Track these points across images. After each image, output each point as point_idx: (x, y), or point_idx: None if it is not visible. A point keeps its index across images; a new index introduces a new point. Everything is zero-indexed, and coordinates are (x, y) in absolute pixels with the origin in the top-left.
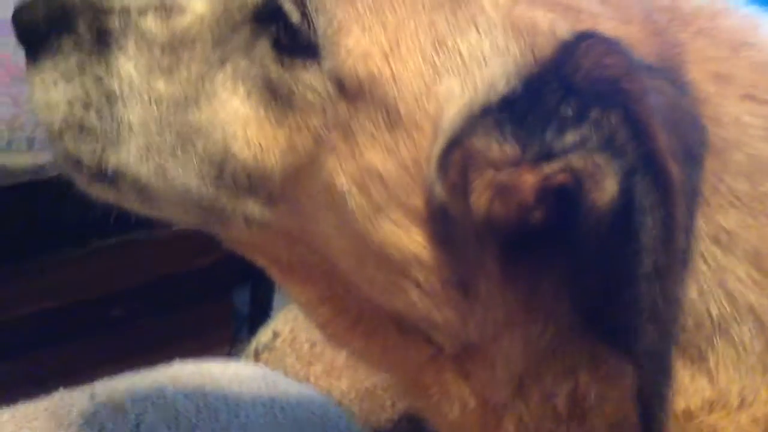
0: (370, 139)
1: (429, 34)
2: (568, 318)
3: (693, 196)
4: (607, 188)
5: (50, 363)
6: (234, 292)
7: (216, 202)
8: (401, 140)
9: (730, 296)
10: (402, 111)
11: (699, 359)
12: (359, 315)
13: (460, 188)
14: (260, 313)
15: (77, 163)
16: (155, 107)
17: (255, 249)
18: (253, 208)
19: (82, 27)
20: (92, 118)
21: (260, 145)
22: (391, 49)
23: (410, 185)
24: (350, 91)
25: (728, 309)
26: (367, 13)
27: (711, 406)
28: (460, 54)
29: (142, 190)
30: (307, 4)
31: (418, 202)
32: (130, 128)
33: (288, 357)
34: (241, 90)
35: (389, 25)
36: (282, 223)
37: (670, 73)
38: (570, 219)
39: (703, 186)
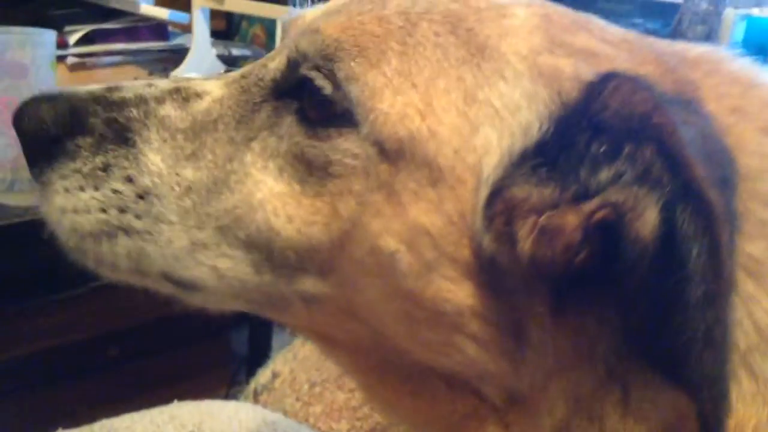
0: (414, 197)
1: (459, 89)
2: (606, 362)
3: (732, 221)
4: (648, 219)
5: (48, 403)
6: (232, 333)
7: (271, 287)
8: (445, 195)
9: (758, 327)
10: (443, 166)
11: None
12: (408, 377)
13: (506, 237)
14: (258, 354)
15: (114, 266)
16: (188, 198)
17: (311, 330)
18: (307, 285)
19: (97, 125)
20: (130, 220)
21: (301, 218)
22: (426, 108)
23: (458, 238)
24: (391, 153)
25: (755, 341)
26: (396, 76)
27: None
28: (492, 105)
29: (191, 287)
30: (338, 74)
31: (466, 253)
32: (170, 224)
33: (287, 398)
34: (272, 167)
35: (419, 86)
36: (336, 297)
37: (692, 105)
38: (614, 254)
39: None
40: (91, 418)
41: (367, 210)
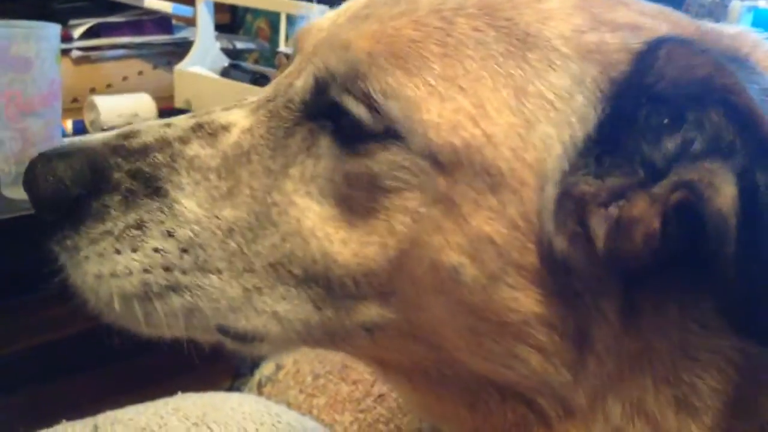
0: (475, 207)
1: (508, 86)
2: (665, 362)
3: None
4: (727, 192)
5: (52, 396)
6: None
7: (334, 322)
8: (507, 199)
9: None
10: (503, 169)
11: None
12: (465, 391)
13: (581, 236)
14: None
15: (167, 326)
16: (232, 241)
17: (371, 357)
18: (369, 313)
19: (123, 179)
20: (177, 277)
21: (356, 240)
22: (477, 111)
23: (523, 243)
24: (446, 164)
25: None
26: (441, 82)
27: None
28: (544, 97)
29: (251, 339)
30: (373, 94)
31: (532, 258)
32: (219, 273)
33: (291, 389)
34: (315, 192)
35: (467, 89)
36: (398, 321)
37: (750, 65)
38: (696, 235)
39: None
40: (96, 411)
41: (425, 226)
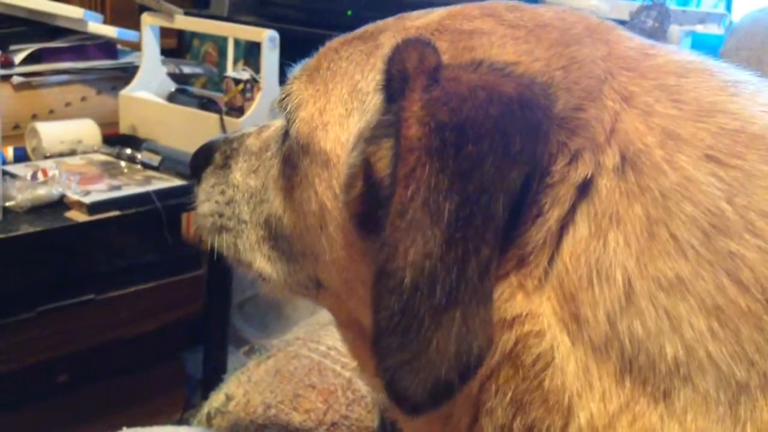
0: (318, 180)
1: (349, 85)
2: None
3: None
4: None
5: None
6: (186, 355)
7: (300, 275)
8: (331, 174)
9: (687, 344)
10: (329, 149)
11: (664, 400)
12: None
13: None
14: (213, 376)
15: (224, 254)
16: (252, 202)
17: (331, 311)
18: (312, 270)
19: (217, 158)
20: (224, 222)
21: (288, 207)
22: (326, 107)
23: (339, 206)
24: (303, 146)
25: (684, 356)
26: (320, 88)
27: None
28: (363, 92)
29: (261, 277)
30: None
31: (346, 218)
32: (246, 224)
33: (242, 421)
34: (277, 171)
35: (330, 90)
36: (321, 277)
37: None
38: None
39: (633, 227)
40: None
41: (298, 196)
